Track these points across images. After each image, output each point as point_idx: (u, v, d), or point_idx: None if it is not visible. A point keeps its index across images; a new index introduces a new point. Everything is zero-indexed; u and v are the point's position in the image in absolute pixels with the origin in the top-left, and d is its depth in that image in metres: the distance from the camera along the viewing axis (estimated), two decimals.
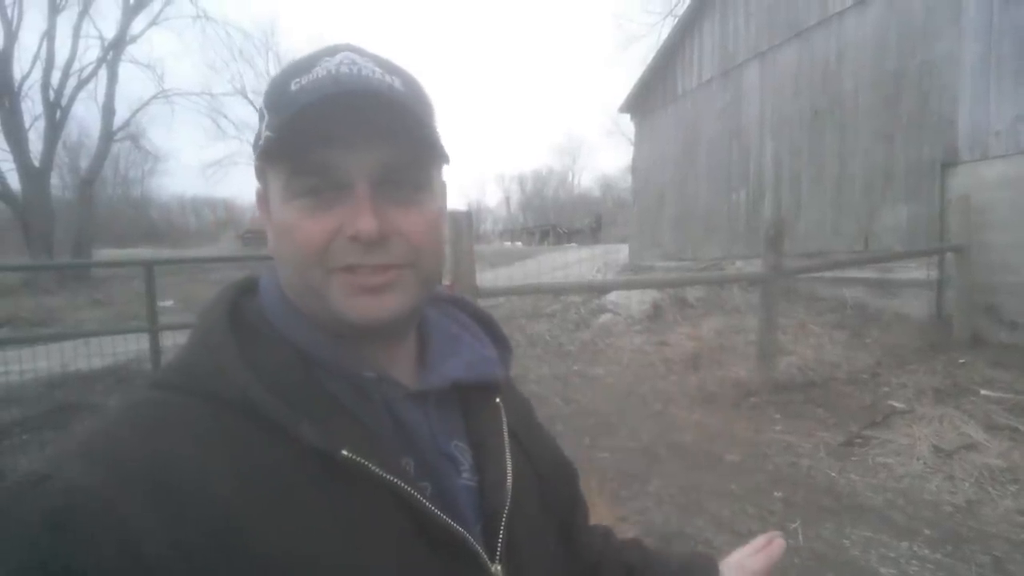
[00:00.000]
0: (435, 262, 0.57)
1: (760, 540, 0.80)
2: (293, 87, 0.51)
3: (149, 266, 3.98)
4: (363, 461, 0.48)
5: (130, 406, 0.49)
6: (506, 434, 0.63)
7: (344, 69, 0.51)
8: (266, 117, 0.53)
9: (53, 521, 0.39)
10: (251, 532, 0.43)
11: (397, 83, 0.54)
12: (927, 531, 2.51)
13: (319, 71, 0.51)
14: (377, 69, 0.53)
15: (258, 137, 0.54)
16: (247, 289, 0.59)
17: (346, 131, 0.50)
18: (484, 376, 0.63)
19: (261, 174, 0.56)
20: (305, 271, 0.52)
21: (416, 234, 0.53)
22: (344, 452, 0.48)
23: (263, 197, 0.57)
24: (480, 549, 0.53)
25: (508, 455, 0.61)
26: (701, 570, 0.78)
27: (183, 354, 0.52)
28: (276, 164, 0.52)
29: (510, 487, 0.59)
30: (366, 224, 0.50)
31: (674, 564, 0.79)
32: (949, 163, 5.50)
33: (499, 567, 0.54)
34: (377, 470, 0.49)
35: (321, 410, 0.50)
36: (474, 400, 0.62)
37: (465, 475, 0.58)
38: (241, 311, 0.55)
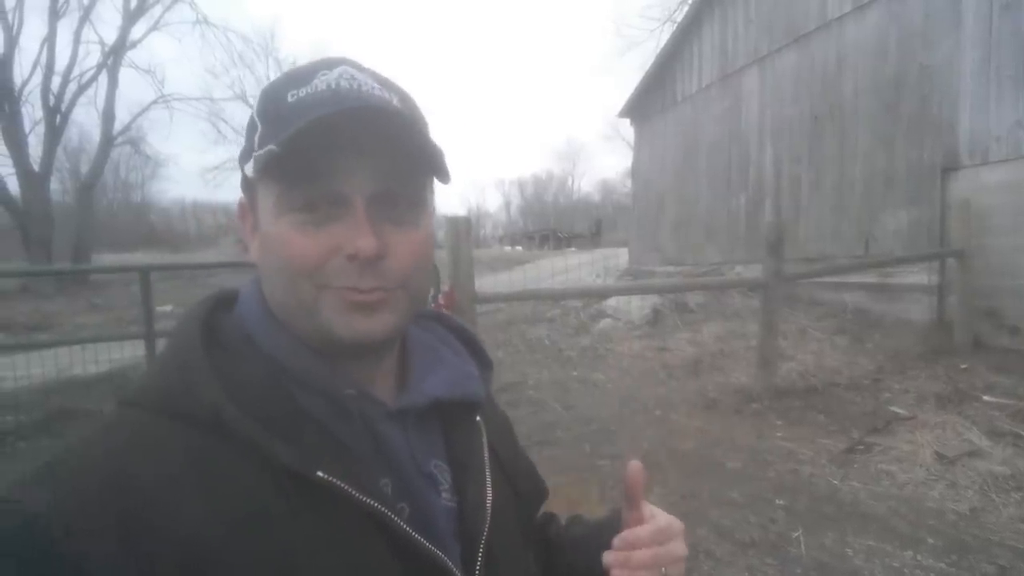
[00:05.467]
0: (425, 283, 0.56)
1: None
2: (290, 98, 0.50)
3: (145, 272, 3.97)
4: (338, 482, 0.47)
5: (98, 427, 0.47)
6: (486, 454, 0.61)
7: (344, 83, 0.51)
8: (259, 128, 0.51)
9: (5, 549, 0.37)
10: (221, 558, 0.42)
11: (395, 100, 0.53)
12: (931, 540, 2.48)
13: (318, 83, 0.51)
14: (376, 85, 0.53)
15: (249, 147, 0.52)
16: (224, 302, 0.57)
17: (347, 146, 0.49)
18: (465, 394, 0.61)
19: (249, 185, 0.54)
20: (296, 287, 0.50)
21: (410, 255, 0.53)
22: (319, 473, 0.46)
23: (247, 208, 0.56)
24: (459, 572, 0.52)
25: (488, 475, 0.60)
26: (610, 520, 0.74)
27: (153, 371, 0.51)
28: (273, 177, 0.50)
29: (490, 508, 0.57)
30: (366, 243, 0.49)
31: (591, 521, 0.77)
32: (950, 168, 5.49)
33: None
34: (353, 492, 0.47)
35: (296, 429, 0.48)
36: (454, 418, 0.61)
37: (445, 496, 0.56)
38: (217, 325, 0.53)
